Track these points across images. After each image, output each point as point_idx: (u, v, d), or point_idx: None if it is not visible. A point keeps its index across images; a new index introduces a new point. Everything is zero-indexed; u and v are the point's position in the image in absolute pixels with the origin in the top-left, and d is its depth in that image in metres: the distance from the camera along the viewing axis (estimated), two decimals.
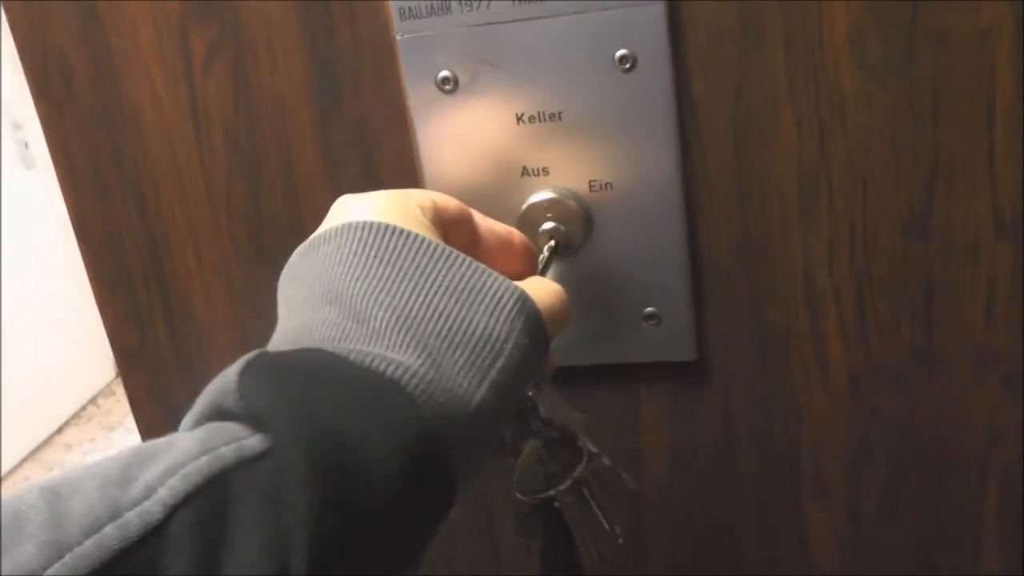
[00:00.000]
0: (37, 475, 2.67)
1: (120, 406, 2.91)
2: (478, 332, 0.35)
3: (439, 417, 0.32)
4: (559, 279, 0.47)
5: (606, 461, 0.45)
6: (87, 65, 0.54)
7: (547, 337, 0.38)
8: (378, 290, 0.35)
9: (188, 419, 0.32)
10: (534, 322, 0.36)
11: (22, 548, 0.24)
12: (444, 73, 0.47)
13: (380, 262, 0.35)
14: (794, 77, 0.45)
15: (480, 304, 0.35)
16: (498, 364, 0.34)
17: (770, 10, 0.44)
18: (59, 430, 2.89)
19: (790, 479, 0.53)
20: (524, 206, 0.48)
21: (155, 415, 0.62)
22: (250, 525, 0.27)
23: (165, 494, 0.26)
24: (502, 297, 0.36)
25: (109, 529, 0.25)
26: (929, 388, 0.50)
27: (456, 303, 0.35)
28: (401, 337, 0.33)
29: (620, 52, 0.45)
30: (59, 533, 0.24)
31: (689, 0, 0.45)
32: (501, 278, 0.36)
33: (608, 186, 0.47)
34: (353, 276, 0.35)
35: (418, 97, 0.48)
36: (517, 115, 0.47)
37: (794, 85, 0.45)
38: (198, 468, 0.27)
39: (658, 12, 0.44)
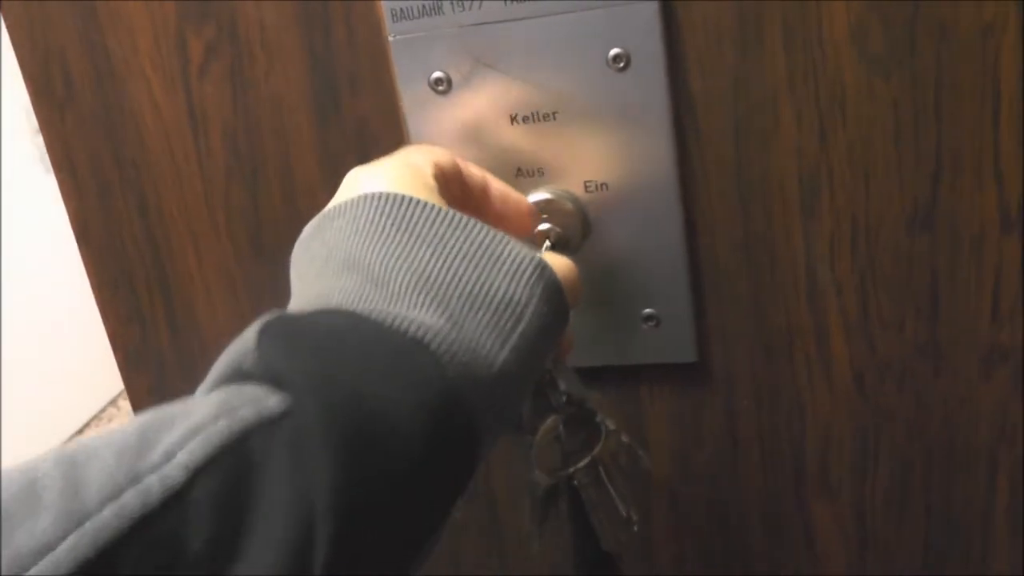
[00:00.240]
0: None
1: None
2: (499, 295, 0.34)
3: (462, 377, 0.31)
4: None
5: (624, 439, 0.45)
6: (86, 68, 0.54)
7: (566, 306, 0.37)
8: (396, 255, 0.34)
9: (205, 384, 0.31)
10: (553, 289, 0.36)
11: (38, 519, 0.23)
12: (437, 74, 0.46)
13: (397, 230, 0.35)
14: (794, 72, 0.44)
15: (500, 269, 0.35)
16: (519, 328, 0.34)
17: (768, 5, 0.43)
18: (80, 431, 2.92)
19: (795, 479, 0.53)
20: None
21: None
22: (272, 488, 0.26)
23: (185, 458, 0.25)
24: (521, 263, 0.35)
25: (129, 496, 0.24)
26: (935, 384, 0.49)
27: (476, 267, 0.34)
28: (422, 298, 0.33)
29: (614, 51, 0.44)
30: (77, 502, 0.23)
31: None
32: (520, 245, 0.36)
33: (604, 186, 0.47)
34: (370, 244, 0.35)
35: (411, 98, 0.47)
36: (511, 115, 0.46)
37: (794, 80, 0.45)
38: (218, 431, 0.26)
39: (652, 10, 0.43)
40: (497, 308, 0.34)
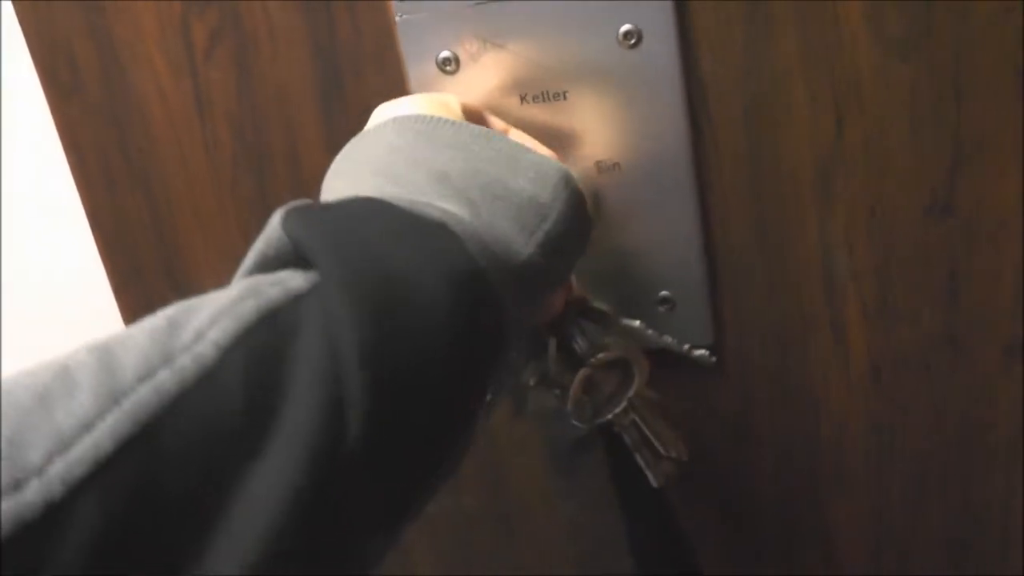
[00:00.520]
0: None
1: None
2: (524, 194, 0.35)
3: (488, 259, 0.31)
4: None
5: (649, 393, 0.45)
6: (92, 56, 0.54)
7: (589, 217, 0.38)
8: (421, 159, 0.35)
9: (235, 279, 0.31)
10: (578, 197, 0.37)
11: (75, 398, 0.23)
12: (445, 54, 0.46)
13: (420, 138, 0.36)
14: (807, 54, 0.43)
15: (525, 172, 0.36)
16: (545, 226, 0.35)
17: None
18: None
19: (810, 474, 0.51)
20: None
21: None
22: (302, 359, 0.26)
23: (216, 335, 0.25)
24: (547, 170, 0.36)
25: (164, 374, 0.24)
26: (954, 377, 0.47)
27: (499, 168, 0.35)
28: (446, 191, 0.33)
29: (624, 27, 0.43)
30: (113, 381, 0.23)
31: None
32: (545, 155, 0.37)
33: (616, 166, 0.46)
34: (396, 153, 0.36)
35: (419, 79, 0.47)
36: (521, 95, 0.46)
37: (807, 62, 0.44)
38: (246, 308, 0.26)
39: None
40: (521, 205, 0.34)
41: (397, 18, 0.46)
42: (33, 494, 0.21)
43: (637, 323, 0.47)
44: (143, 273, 0.58)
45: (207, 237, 0.56)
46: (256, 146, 0.53)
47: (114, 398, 0.23)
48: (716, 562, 0.55)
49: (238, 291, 0.27)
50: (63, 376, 0.23)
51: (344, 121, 0.51)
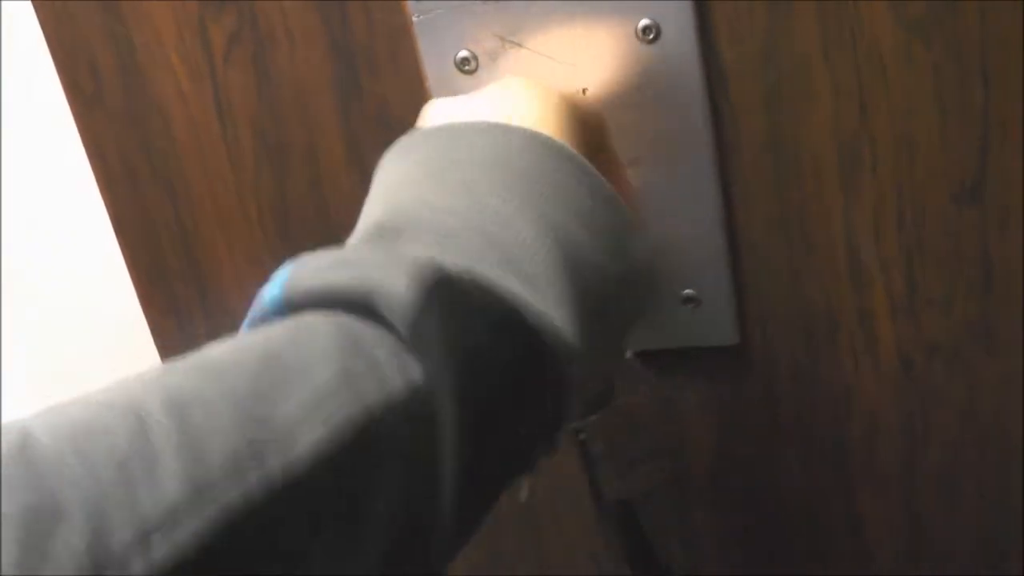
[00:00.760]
0: None
1: None
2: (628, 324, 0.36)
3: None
4: None
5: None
6: (113, 61, 0.54)
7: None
8: (520, 208, 0.32)
9: (295, 286, 0.29)
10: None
11: (159, 482, 0.21)
12: (463, 53, 0.46)
13: (530, 177, 0.33)
14: (828, 38, 0.43)
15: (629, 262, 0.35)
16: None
17: None
18: None
19: (840, 468, 0.51)
20: None
21: None
22: (387, 489, 0.26)
23: (309, 443, 0.24)
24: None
25: (253, 478, 0.23)
26: (988, 367, 0.47)
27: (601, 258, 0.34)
28: (566, 300, 0.31)
29: (643, 22, 0.43)
30: (199, 471, 0.22)
31: None
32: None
33: (637, 162, 0.45)
34: (494, 184, 0.33)
35: (437, 78, 0.47)
36: None
37: (828, 46, 0.43)
38: (340, 414, 0.25)
39: None
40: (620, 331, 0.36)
41: (414, 19, 0.46)
42: None
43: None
44: (166, 273, 0.59)
45: (229, 236, 0.57)
46: (276, 145, 0.53)
47: (200, 491, 0.22)
48: (745, 558, 0.54)
49: (332, 372, 0.26)
50: (142, 443, 0.22)
51: (361, 119, 0.51)
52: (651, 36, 0.43)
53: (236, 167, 0.54)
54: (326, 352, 0.26)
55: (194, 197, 0.56)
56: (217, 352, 0.26)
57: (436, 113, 0.38)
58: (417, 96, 0.49)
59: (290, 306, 0.29)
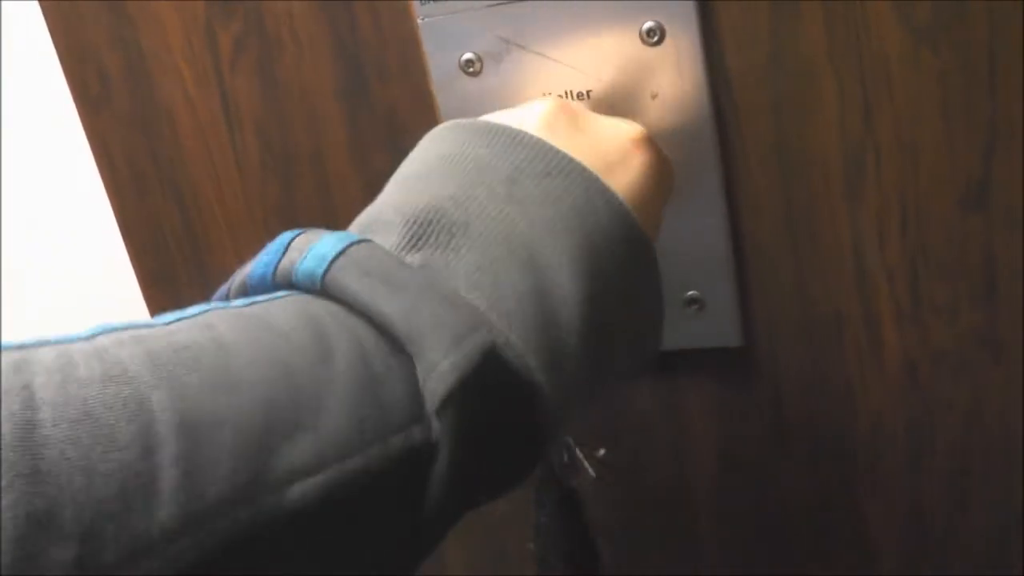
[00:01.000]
0: None
1: None
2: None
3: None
4: None
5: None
6: (121, 66, 0.54)
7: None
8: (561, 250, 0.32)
9: (337, 280, 0.29)
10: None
11: (159, 507, 0.22)
12: (468, 55, 0.46)
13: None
14: (834, 42, 0.43)
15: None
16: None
17: None
18: None
19: (845, 473, 0.50)
20: None
21: None
22: (377, 522, 0.27)
23: (301, 494, 0.24)
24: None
25: (244, 516, 0.23)
26: (993, 373, 0.46)
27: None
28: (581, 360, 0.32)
29: (647, 24, 0.43)
30: (196, 501, 0.22)
31: None
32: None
33: None
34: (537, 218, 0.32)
35: (442, 81, 0.47)
36: (544, 95, 0.45)
37: (834, 51, 0.43)
38: (341, 469, 0.25)
39: None
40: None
41: (419, 21, 0.46)
42: None
43: None
44: (174, 278, 0.59)
45: (236, 242, 0.57)
46: (282, 150, 0.53)
47: (192, 521, 0.22)
48: (747, 560, 0.54)
49: (344, 422, 0.26)
50: (148, 465, 0.22)
51: (369, 125, 0.51)
52: (655, 38, 0.43)
53: (243, 172, 0.55)
54: (345, 390, 0.26)
55: (201, 202, 0.56)
56: (245, 353, 0.26)
57: (549, 128, 0.36)
58: (425, 102, 0.49)
59: (323, 293, 0.29)
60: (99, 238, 0.65)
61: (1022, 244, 0.44)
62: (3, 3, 0.57)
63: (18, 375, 0.22)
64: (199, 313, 0.28)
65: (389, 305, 0.28)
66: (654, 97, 0.44)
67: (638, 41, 0.43)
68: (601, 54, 0.44)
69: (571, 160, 0.33)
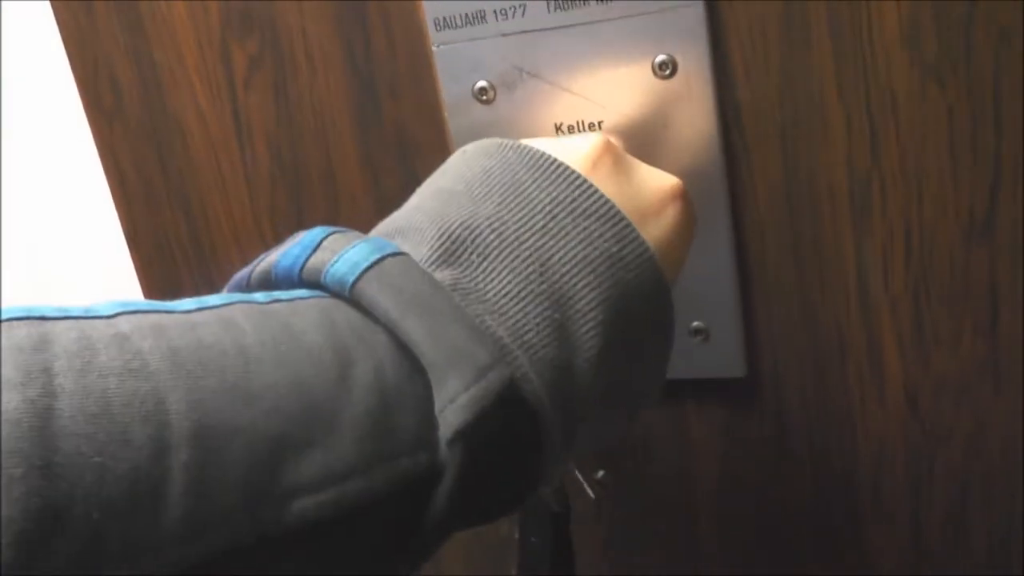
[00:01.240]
0: None
1: None
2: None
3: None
4: None
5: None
6: (134, 79, 0.55)
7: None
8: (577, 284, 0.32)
9: (367, 291, 0.29)
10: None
11: (164, 512, 0.22)
12: (481, 83, 0.46)
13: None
14: (843, 76, 0.43)
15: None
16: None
17: (815, 7, 0.42)
18: None
19: (848, 500, 0.51)
20: None
21: None
22: (374, 541, 0.27)
23: (302, 514, 0.25)
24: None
25: (246, 527, 0.24)
26: (994, 403, 0.47)
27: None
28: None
29: (660, 57, 0.43)
30: (201, 511, 0.23)
31: (729, 0, 0.43)
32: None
33: None
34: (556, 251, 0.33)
35: (455, 107, 0.47)
36: (556, 124, 0.46)
37: (843, 84, 0.43)
38: (348, 493, 0.25)
39: (697, 13, 0.42)
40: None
41: (434, 48, 0.47)
42: None
43: None
44: (180, 291, 0.59)
45: (244, 257, 0.57)
46: (293, 168, 0.54)
47: (196, 529, 0.23)
48: None
49: (353, 448, 0.26)
50: (160, 471, 0.22)
51: (380, 144, 0.52)
52: (667, 72, 0.43)
53: (253, 188, 0.55)
54: (359, 412, 0.27)
55: (210, 216, 0.56)
56: (266, 363, 0.26)
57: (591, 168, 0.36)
58: (436, 122, 0.50)
59: (350, 300, 0.29)
60: (105, 249, 0.65)
61: None
62: (17, 13, 0.57)
63: (38, 354, 0.22)
64: (222, 305, 0.28)
65: (416, 329, 0.28)
66: (665, 128, 0.44)
67: (651, 74, 0.43)
68: (614, 85, 0.44)
69: (611, 205, 0.33)
